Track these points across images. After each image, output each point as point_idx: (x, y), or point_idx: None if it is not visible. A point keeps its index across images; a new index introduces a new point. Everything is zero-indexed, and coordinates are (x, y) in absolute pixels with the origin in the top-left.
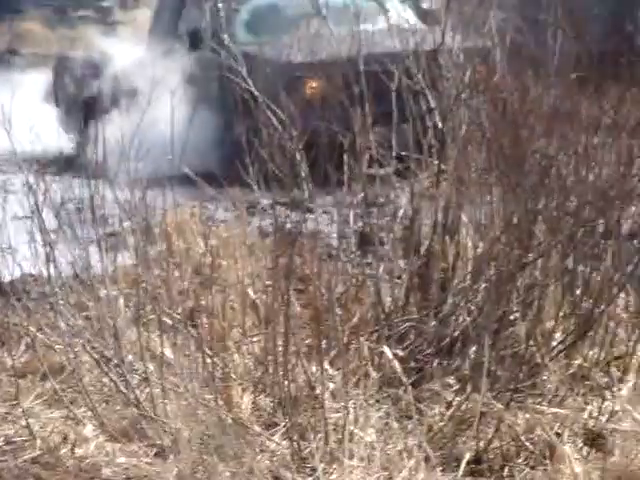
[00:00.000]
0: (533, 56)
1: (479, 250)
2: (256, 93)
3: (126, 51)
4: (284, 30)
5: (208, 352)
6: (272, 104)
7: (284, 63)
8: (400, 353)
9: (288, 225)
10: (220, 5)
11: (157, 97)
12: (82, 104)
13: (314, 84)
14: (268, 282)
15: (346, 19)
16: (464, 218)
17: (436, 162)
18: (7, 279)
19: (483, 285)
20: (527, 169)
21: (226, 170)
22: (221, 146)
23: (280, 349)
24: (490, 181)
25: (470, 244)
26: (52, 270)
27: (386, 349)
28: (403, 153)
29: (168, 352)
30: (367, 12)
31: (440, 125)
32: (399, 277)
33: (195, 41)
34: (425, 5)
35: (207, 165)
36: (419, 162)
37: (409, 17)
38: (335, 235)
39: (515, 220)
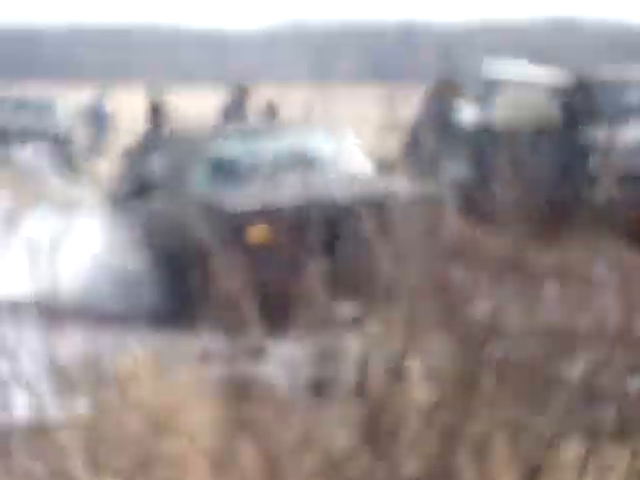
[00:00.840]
0: (483, 205)
1: (430, 399)
2: (206, 243)
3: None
4: (241, 180)
5: None
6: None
7: (229, 212)
8: None
9: (241, 374)
10: (177, 155)
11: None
12: None
13: (257, 231)
14: (220, 431)
15: (301, 167)
16: (415, 365)
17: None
18: None
19: (433, 434)
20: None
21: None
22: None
23: None
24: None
25: (421, 394)
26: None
27: None
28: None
29: None
30: (323, 161)
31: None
32: (350, 425)
33: (139, 190)
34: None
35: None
36: (371, 308)
37: (363, 165)
38: (288, 383)
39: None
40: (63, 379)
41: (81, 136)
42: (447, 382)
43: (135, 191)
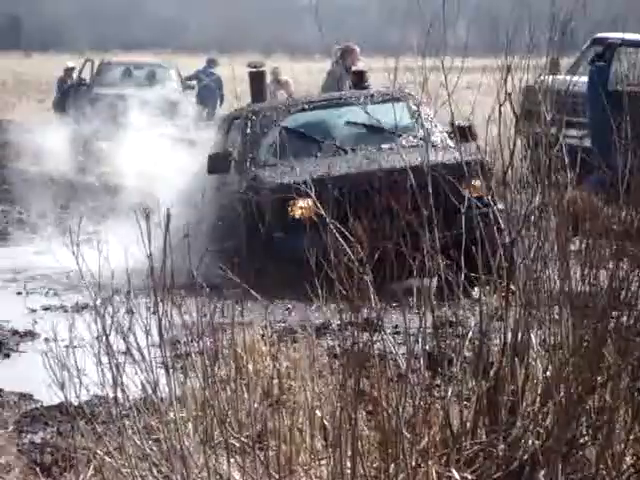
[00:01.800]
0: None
1: (548, 373)
2: (324, 215)
3: None
4: (306, 153)
5: (275, 476)
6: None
7: (274, 186)
8: (469, 477)
9: (358, 346)
10: (249, 128)
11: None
12: None
13: (302, 204)
14: (337, 404)
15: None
16: (533, 340)
17: (505, 283)
18: (75, 402)
19: (552, 408)
20: (594, 291)
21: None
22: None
23: (348, 472)
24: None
25: (539, 366)
26: (120, 393)
27: (455, 473)
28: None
29: (236, 476)
30: (400, 130)
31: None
32: (468, 399)
33: (215, 165)
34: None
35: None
36: (488, 283)
37: (439, 134)
38: (404, 356)
39: (585, 342)
40: (176, 353)
41: (190, 104)
42: (567, 355)
43: (217, 163)
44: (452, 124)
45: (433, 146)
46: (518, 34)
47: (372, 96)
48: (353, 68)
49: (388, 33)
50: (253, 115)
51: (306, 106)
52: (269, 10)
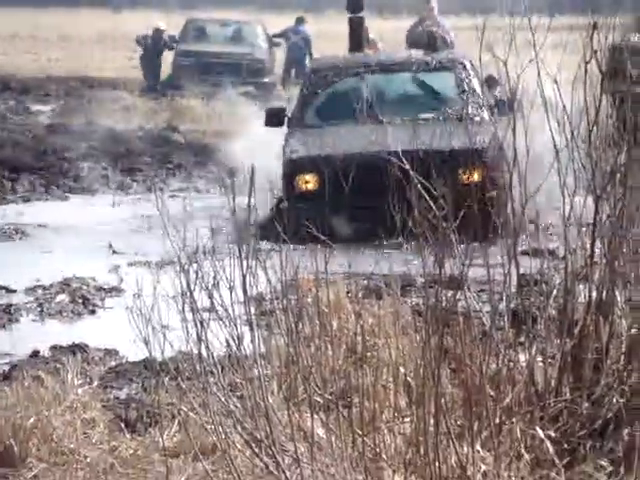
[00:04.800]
0: None
1: (633, 330)
2: (410, 172)
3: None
4: (346, 119)
5: (359, 432)
6: None
7: (287, 159)
8: (553, 434)
9: (441, 304)
10: (305, 87)
11: None
12: None
13: (307, 178)
14: (420, 362)
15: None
16: (618, 298)
17: (589, 241)
18: (159, 358)
19: (637, 366)
20: None
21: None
22: None
23: (431, 429)
24: None
25: (624, 324)
26: (204, 349)
27: (539, 430)
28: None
29: (320, 432)
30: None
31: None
32: (552, 357)
33: (270, 119)
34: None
35: None
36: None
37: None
38: (488, 314)
39: None
40: (260, 310)
41: (278, 61)
42: None
43: (272, 117)
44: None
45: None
46: None
47: (426, 63)
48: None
49: None
50: (312, 73)
51: (361, 70)
52: None
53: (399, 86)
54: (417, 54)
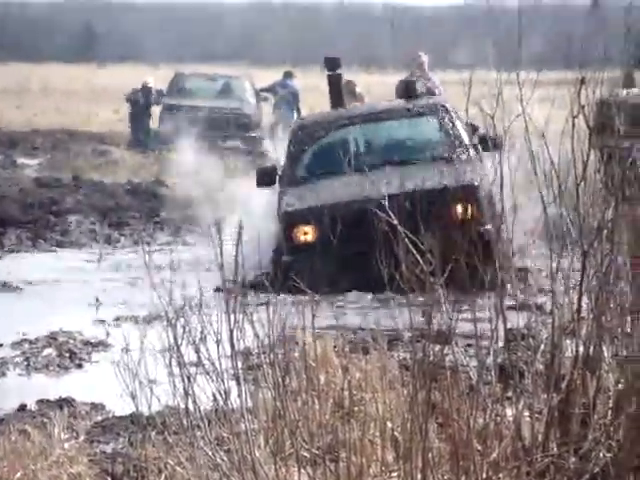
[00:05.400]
0: None
1: (620, 385)
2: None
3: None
4: (339, 170)
5: None
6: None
7: (283, 212)
8: None
9: (429, 358)
10: (293, 144)
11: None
12: None
13: (305, 229)
14: (407, 416)
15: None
16: (605, 353)
17: (577, 296)
18: (146, 412)
19: (624, 421)
20: None
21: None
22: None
23: None
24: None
25: (611, 379)
26: (191, 404)
27: None
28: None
29: None
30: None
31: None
32: (539, 412)
33: (262, 179)
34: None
35: None
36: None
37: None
38: (475, 368)
39: None
40: (248, 364)
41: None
42: (638, 368)
43: (264, 177)
44: (479, 137)
45: (450, 161)
46: (592, 47)
47: (408, 109)
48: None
49: (463, 45)
50: (299, 130)
51: (346, 122)
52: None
53: (384, 134)
54: (399, 102)
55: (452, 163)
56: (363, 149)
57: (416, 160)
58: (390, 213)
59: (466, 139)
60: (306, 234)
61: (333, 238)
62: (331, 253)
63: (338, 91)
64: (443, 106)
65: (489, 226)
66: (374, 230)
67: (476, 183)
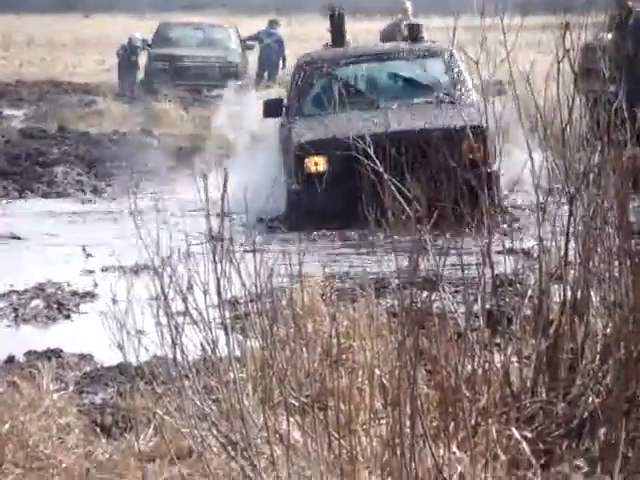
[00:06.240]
0: None
1: (608, 330)
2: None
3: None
4: (344, 106)
5: (335, 435)
6: None
7: (295, 143)
8: (529, 435)
9: (417, 305)
10: (300, 78)
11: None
12: None
13: (316, 160)
14: (396, 363)
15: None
16: (593, 298)
17: (564, 241)
18: (134, 363)
19: (612, 366)
20: None
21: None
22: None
23: (408, 431)
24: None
25: (599, 324)
26: (179, 354)
27: (515, 431)
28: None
29: (296, 435)
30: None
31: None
32: (528, 358)
33: (268, 110)
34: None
35: None
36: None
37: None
38: (463, 314)
39: None
40: (235, 314)
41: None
42: (627, 312)
43: (270, 108)
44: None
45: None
46: None
47: (413, 51)
48: (406, 22)
49: None
50: (306, 65)
51: (354, 59)
52: None
53: (392, 73)
54: (405, 44)
55: (458, 105)
56: (371, 86)
57: (423, 100)
58: (401, 149)
59: (470, 83)
60: (317, 164)
61: (344, 170)
62: (344, 185)
63: (341, 30)
64: (449, 50)
65: (495, 167)
66: (385, 165)
67: (484, 125)
